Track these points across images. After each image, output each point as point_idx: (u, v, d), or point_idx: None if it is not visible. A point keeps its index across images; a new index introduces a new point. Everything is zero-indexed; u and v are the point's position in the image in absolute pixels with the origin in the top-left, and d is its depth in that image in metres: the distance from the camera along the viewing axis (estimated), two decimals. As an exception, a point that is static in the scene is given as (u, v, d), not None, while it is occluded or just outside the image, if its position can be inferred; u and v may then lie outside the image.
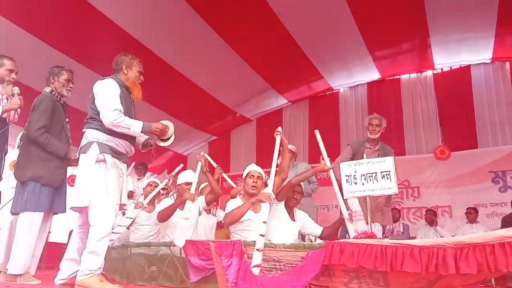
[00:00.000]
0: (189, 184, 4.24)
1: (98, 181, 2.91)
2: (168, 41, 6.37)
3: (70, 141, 3.56)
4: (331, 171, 3.65)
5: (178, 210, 4.13)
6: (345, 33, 6.90)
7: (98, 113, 2.98)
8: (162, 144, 3.36)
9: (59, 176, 3.41)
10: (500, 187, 7.16)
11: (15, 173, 3.45)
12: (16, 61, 3.50)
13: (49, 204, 3.36)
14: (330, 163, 3.65)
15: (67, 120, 3.61)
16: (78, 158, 3.06)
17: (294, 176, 3.94)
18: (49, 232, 7.32)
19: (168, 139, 3.35)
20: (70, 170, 3.62)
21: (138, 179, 6.53)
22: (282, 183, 3.71)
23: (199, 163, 4.37)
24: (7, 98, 3.37)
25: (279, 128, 3.73)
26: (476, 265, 2.09)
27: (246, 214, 3.47)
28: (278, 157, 3.56)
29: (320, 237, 3.73)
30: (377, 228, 4.11)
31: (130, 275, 3.90)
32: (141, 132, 3.08)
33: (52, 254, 4.09)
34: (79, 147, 3.06)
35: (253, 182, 3.62)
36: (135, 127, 3.01)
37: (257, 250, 2.81)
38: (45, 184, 3.32)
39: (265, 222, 3.03)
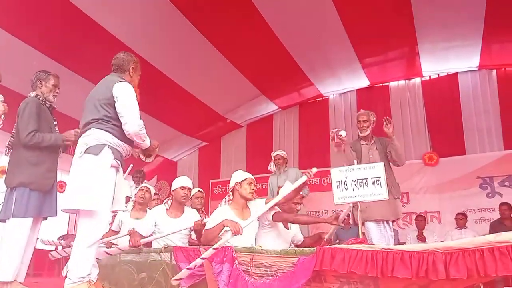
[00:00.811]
0: (185, 188, 4.14)
1: (109, 186, 2.88)
2: (159, 48, 6.38)
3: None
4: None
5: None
6: (335, 41, 6.96)
7: (113, 116, 2.95)
8: (145, 159, 3.36)
9: (49, 180, 3.37)
10: (488, 192, 7.26)
11: (5, 179, 3.40)
12: (2, 67, 3.46)
13: (38, 209, 3.31)
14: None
15: (55, 122, 3.58)
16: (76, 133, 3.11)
17: (285, 181, 3.98)
18: (37, 239, 7.26)
19: (150, 156, 3.33)
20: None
21: (136, 187, 6.48)
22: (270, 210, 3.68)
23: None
24: None
25: (315, 169, 3.51)
26: (466, 270, 2.11)
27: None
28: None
29: (299, 246, 3.78)
30: (388, 233, 4.05)
31: (119, 282, 3.85)
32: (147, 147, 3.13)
33: (40, 261, 4.02)
34: (87, 146, 2.89)
35: (252, 188, 3.62)
36: (147, 141, 3.11)
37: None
38: (34, 189, 3.28)
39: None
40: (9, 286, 3.15)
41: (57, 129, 3.56)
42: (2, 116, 3.33)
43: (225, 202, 3.87)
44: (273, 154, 5.47)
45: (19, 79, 4.08)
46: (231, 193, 3.82)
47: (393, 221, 4.24)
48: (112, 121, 2.95)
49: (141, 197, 4.92)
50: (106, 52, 5.95)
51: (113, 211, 3.22)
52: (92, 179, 2.81)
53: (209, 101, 8.22)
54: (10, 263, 3.17)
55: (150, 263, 3.61)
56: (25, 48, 5.52)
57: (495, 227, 6.02)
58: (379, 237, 3.92)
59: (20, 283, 3.28)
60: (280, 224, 3.67)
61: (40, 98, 3.51)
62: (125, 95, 2.97)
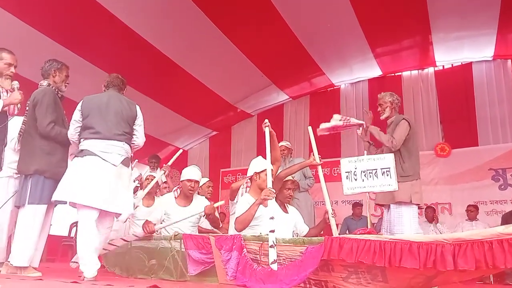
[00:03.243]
0: (191, 181, 4.10)
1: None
2: (170, 36, 6.39)
3: None
4: (319, 168, 3.67)
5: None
6: (347, 30, 6.90)
7: (133, 130, 3.45)
8: None
9: (62, 168, 3.43)
10: (500, 184, 7.17)
11: (19, 167, 3.46)
12: (16, 55, 3.49)
13: (51, 196, 3.36)
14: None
15: (64, 112, 3.67)
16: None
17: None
18: (51, 225, 7.39)
19: None
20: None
21: (150, 172, 6.54)
22: (277, 172, 3.74)
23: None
24: (6, 92, 3.37)
25: (266, 120, 3.68)
26: (474, 261, 2.10)
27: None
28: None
29: (304, 237, 3.75)
30: (389, 217, 3.83)
31: (130, 268, 3.92)
32: None
33: (53, 247, 4.10)
34: (125, 158, 3.32)
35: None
36: None
37: (271, 246, 2.77)
38: (48, 177, 3.37)
39: (272, 218, 2.98)
40: (23, 271, 3.23)
41: (66, 118, 3.64)
42: (19, 105, 3.39)
43: (243, 188, 3.84)
44: (279, 144, 5.43)
45: (28, 66, 4.09)
46: (249, 181, 3.75)
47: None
48: (131, 139, 3.46)
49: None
50: (118, 41, 6.07)
51: None
52: (129, 188, 3.46)
53: (219, 91, 8.23)
54: (25, 248, 3.25)
55: (160, 250, 3.67)
56: (36, 34, 5.55)
57: (507, 219, 5.96)
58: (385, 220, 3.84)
59: (34, 268, 3.36)
60: (277, 208, 3.59)
61: (53, 88, 3.58)
62: (142, 117, 3.54)
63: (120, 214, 3.32)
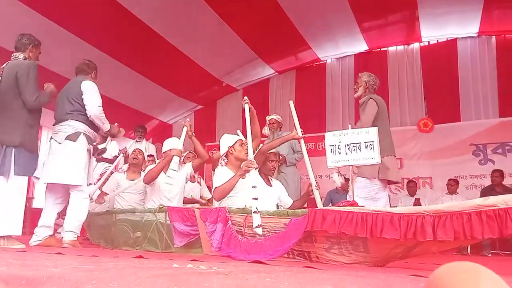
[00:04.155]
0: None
1: (86, 166, 3.67)
2: (156, 9, 6.25)
3: None
4: (302, 141, 3.74)
5: (163, 176, 4.12)
6: (333, 3, 6.84)
7: (83, 107, 3.65)
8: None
9: (37, 142, 3.63)
10: (480, 159, 7.34)
11: (0, 137, 3.41)
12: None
13: (32, 168, 3.50)
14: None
15: None
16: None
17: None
18: (33, 198, 7.35)
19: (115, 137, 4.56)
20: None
21: (136, 141, 6.53)
22: (257, 148, 3.82)
23: (185, 128, 4.35)
24: None
25: (245, 97, 3.84)
26: (453, 232, 2.16)
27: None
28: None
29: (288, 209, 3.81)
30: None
31: (115, 240, 3.94)
32: (106, 131, 3.87)
33: (36, 219, 4.10)
34: (69, 134, 3.60)
35: (245, 149, 3.63)
36: (107, 124, 3.79)
37: (254, 212, 2.83)
38: (28, 149, 3.44)
39: (254, 186, 3.05)
40: (7, 242, 3.23)
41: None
42: (0, 77, 3.35)
43: (220, 165, 3.87)
44: (267, 118, 5.44)
45: (7, 34, 4.01)
46: (225, 158, 3.80)
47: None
48: (83, 112, 3.67)
49: (134, 158, 4.96)
50: (104, 14, 5.91)
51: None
52: (77, 160, 3.59)
53: (205, 64, 8.12)
54: (19, 218, 3.36)
55: (145, 222, 3.68)
56: (19, 5, 5.35)
57: (486, 193, 6.12)
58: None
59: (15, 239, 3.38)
60: (260, 182, 3.65)
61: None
62: (88, 90, 3.68)
63: (72, 186, 3.60)
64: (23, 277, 1.13)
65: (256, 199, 2.91)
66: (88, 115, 3.66)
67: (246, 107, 3.76)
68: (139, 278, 1.16)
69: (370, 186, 3.78)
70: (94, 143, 3.87)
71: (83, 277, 1.16)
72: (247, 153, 3.51)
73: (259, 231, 2.76)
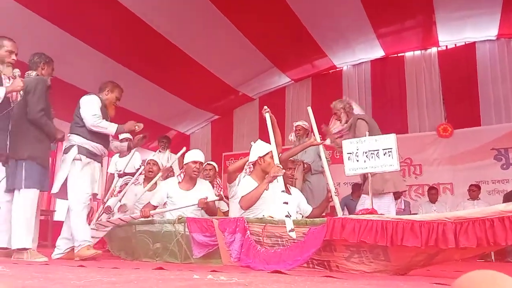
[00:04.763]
0: (196, 162, 4.14)
1: (64, 176, 3.65)
2: (172, 20, 6.33)
3: (53, 121, 3.88)
4: (321, 146, 3.72)
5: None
6: (349, 10, 6.81)
7: (81, 120, 3.73)
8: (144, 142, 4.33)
9: (48, 156, 3.72)
10: (503, 164, 7.18)
11: (10, 151, 3.50)
12: (15, 39, 3.54)
13: (42, 182, 3.55)
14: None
15: (51, 104, 3.85)
16: (63, 137, 3.80)
17: (305, 152, 3.99)
18: (54, 211, 7.48)
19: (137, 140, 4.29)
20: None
21: (159, 151, 6.62)
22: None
23: (267, 115, 3.76)
24: (8, 79, 3.40)
25: (266, 107, 3.77)
26: (476, 239, 2.12)
27: None
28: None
29: (307, 217, 3.78)
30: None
31: (135, 252, 3.97)
32: (116, 132, 3.83)
33: (58, 232, 4.18)
34: (66, 147, 3.75)
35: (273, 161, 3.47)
36: (110, 128, 3.75)
37: (286, 216, 2.80)
38: (39, 163, 3.52)
39: (283, 191, 3.05)
40: (28, 255, 3.28)
41: (52, 109, 3.84)
42: (21, 92, 3.43)
43: (245, 174, 3.85)
44: (294, 124, 5.41)
45: (30, 50, 4.08)
46: (252, 165, 3.75)
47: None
48: (80, 124, 3.74)
49: (149, 171, 5.02)
50: (120, 25, 6.02)
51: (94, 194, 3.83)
52: (63, 172, 3.69)
53: (221, 74, 8.18)
54: (28, 231, 3.37)
55: (164, 233, 3.70)
56: (35, 18, 5.44)
57: (509, 198, 5.97)
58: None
59: (37, 252, 3.43)
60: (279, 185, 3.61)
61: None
62: (84, 103, 3.78)
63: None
64: (47, 289, 1.15)
65: (286, 203, 2.90)
66: (86, 127, 3.73)
67: (267, 116, 3.70)
68: (160, 289, 1.17)
69: (377, 202, 3.76)
70: (103, 153, 3.88)
71: (105, 288, 1.18)
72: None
73: (293, 235, 2.72)
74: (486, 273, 0.69)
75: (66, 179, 3.66)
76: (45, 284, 1.35)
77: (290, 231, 2.73)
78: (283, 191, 3.04)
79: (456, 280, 0.73)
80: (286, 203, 2.89)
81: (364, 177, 4.12)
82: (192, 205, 3.95)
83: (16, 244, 3.32)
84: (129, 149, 4.51)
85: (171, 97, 8.19)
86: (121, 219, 4.06)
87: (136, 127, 3.93)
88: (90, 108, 3.74)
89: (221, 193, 5.02)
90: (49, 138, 3.67)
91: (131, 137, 6.03)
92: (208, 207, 4.00)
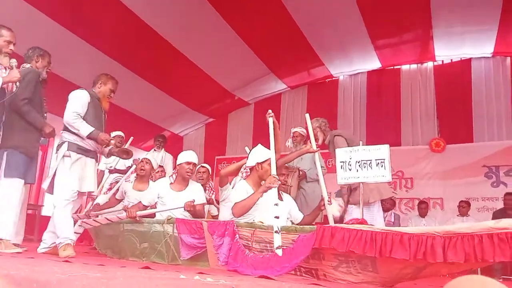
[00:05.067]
0: (190, 163, 4.10)
1: (52, 172, 3.60)
2: (170, 21, 6.32)
3: (46, 116, 3.88)
4: (317, 154, 3.71)
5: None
6: (348, 20, 6.85)
7: None
8: (123, 157, 4.15)
9: (35, 148, 3.64)
10: (493, 182, 7.23)
11: (1, 141, 3.47)
12: (15, 33, 3.51)
13: (24, 173, 3.50)
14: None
15: (44, 98, 3.85)
16: (51, 132, 3.64)
17: (301, 159, 3.97)
18: (42, 206, 7.40)
19: (127, 153, 4.10)
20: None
21: (154, 150, 6.60)
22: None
23: (270, 120, 3.75)
24: (5, 69, 3.38)
25: (270, 111, 3.71)
26: (464, 254, 2.12)
27: None
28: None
29: (299, 224, 3.76)
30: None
31: (122, 251, 3.93)
32: (87, 137, 3.61)
33: (45, 227, 4.14)
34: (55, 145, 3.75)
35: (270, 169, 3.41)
36: (82, 130, 3.57)
37: (276, 232, 2.76)
38: (23, 152, 3.48)
39: (276, 204, 2.99)
40: (2, 246, 3.25)
41: (45, 103, 3.86)
42: (17, 83, 3.41)
43: (240, 177, 3.80)
44: (292, 130, 5.39)
45: (28, 45, 4.06)
46: (248, 170, 3.69)
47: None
48: None
49: (141, 169, 4.95)
50: (119, 24, 6.01)
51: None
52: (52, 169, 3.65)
53: (218, 77, 8.17)
54: (8, 222, 3.32)
55: (152, 233, 3.68)
56: (36, 13, 5.43)
57: (498, 216, 6.00)
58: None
59: (12, 244, 3.38)
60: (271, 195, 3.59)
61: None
62: (69, 99, 3.69)
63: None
64: (35, 280, 1.14)
65: (277, 217, 2.84)
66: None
67: (271, 120, 3.64)
68: (147, 286, 1.15)
69: (365, 213, 3.77)
70: (96, 148, 3.79)
71: (92, 283, 1.16)
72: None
73: (279, 252, 2.70)
74: (475, 277, 0.69)
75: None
76: (31, 274, 1.33)
77: (277, 248, 2.71)
78: (276, 205, 2.98)
79: (446, 284, 0.73)
80: (277, 217, 2.84)
81: (350, 188, 4.15)
82: (178, 208, 3.89)
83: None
84: (109, 155, 4.15)
85: (167, 98, 8.16)
86: (108, 219, 4.01)
87: (112, 141, 3.84)
88: (72, 104, 3.64)
89: (213, 196, 4.99)
90: (35, 129, 3.61)
91: (123, 134, 6.02)
92: (194, 211, 3.89)
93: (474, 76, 7.96)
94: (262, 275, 2.42)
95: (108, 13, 5.80)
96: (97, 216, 4.33)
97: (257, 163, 3.54)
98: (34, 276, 1.30)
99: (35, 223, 6.32)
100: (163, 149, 6.67)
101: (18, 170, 3.42)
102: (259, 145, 3.75)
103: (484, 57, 7.91)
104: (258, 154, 3.60)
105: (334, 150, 4.06)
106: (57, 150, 3.67)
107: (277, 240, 2.73)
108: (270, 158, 3.45)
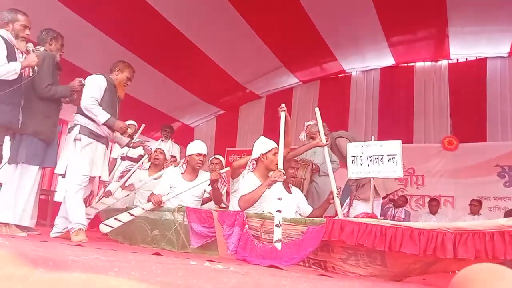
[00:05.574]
0: (200, 155, 4.12)
1: (68, 155, 3.59)
2: (184, 12, 6.32)
3: None
4: (326, 148, 3.69)
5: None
6: (362, 16, 6.80)
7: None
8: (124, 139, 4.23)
9: (54, 133, 3.69)
10: (506, 181, 7.16)
11: (21, 126, 3.51)
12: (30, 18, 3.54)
13: (43, 158, 3.55)
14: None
15: (58, 79, 3.85)
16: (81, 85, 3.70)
17: (314, 153, 3.97)
18: (55, 192, 7.50)
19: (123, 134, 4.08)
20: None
21: (162, 140, 6.63)
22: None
23: (283, 114, 3.70)
24: (21, 53, 3.41)
25: (283, 105, 3.70)
26: (474, 251, 2.12)
27: None
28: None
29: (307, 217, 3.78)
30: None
31: (133, 237, 3.98)
32: (103, 124, 3.63)
33: (58, 212, 4.21)
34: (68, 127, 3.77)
35: (277, 159, 3.40)
36: (100, 117, 3.59)
37: (276, 226, 2.77)
38: (43, 139, 3.54)
39: (280, 199, 2.99)
40: (7, 228, 3.33)
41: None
42: (35, 67, 3.44)
43: (248, 171, 3.81)
44: (306, 123, 5.37)
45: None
46: (254, 162, 3.67)
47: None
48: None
49: (155, 158, 5.02)
50: (132, 12, 6.03)
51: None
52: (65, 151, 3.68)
53: (230, 70, 8.18)
54: (18, 207, 3.39)
55: (163, 221, 3.72)
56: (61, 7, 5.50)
57: (510, 215, 5.94)
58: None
59: (30, 228, 3.48)
60: (280, 187, 3.59)
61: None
62: (87, 83, 3.69)
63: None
64: (51, 259, 1.17)
65: (279, 211, 2.85)
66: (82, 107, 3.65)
67: (283, 114, 3.62)
68: (159, 269, 1.18)
69: (366, 207, 3.77)
70: (108, 134, 3.80)
71: (105, 265, 1.19)
72: (277, 163, 3.34)
73: (278, 246, 2.70)
74: (488, 265, 0.69)
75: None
76: (46, 255, 1.36)
77: (276, 241, 2.72)
78: (279, 199, 2.98)
79: (459, 272, 0.74)
80: (280, 211, 2.85)
81: (358, 185, 4.13)
82: (202, 184, 4.02)
83: (3, 218, 3.35)
84: (127, 146, 4.31)
85: (179, 88, 8.19)
86: (130, 214, 3.95)
87: (129, 129, 3.87)
88: (91, 89, 3.65)
89: (225, 189, 5.04)
90: (59, 105, 3.71)
91: (136, 124, 6.06)
92: (217, 189, 4.11)
93: (489, 76, 7.86)
94: (271, 264, 2.44)
95: (122, 2, 5.82)
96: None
97: (262, 154, 3.57)
98: (50, 255, 1.33)
99: (48, 208, 6.41)
100: (170, 139, 6.69)
101: (36, 157, 3.48)
102: (262, 136, 3.79)
103: (500, 56, 7.80)
104: (262, 145, 3.64)
105: (338, 151, 4.06)
106: (69, 132, 3.70)
107: (277, 233, 2.74)
108: (274, 148, 3.51)
